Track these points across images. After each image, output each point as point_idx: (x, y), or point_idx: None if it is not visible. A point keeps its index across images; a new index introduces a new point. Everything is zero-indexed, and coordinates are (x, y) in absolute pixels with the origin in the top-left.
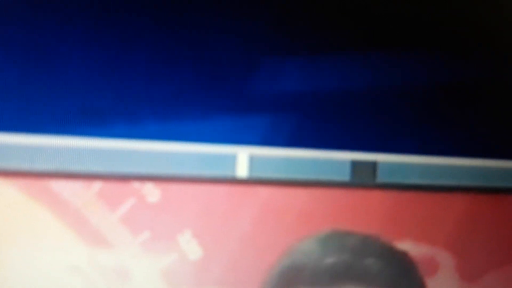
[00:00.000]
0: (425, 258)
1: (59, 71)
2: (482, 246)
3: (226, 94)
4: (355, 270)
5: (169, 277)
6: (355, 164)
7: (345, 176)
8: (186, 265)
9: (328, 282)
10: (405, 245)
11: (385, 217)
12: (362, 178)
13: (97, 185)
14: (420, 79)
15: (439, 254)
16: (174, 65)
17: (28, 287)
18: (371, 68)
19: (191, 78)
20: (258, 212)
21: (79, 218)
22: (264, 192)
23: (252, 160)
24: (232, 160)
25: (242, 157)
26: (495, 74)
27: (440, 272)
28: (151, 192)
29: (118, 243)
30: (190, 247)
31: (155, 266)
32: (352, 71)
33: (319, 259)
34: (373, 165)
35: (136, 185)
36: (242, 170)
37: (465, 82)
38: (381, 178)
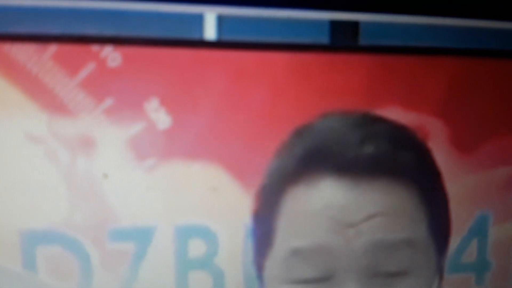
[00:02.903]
0: (414, 126)
1: None
2: (476, 114)
3: None
4: (392, 163)
5: (137, 147)
6: (334, 25)
7: (324, 39)
8: (155, 135)
9: (360, 172)
10: (392, 112)
11: (369, 82)
12: (343, 40)
13: (52, 48)
14: None
15: (429, 121)
16: None
17: None
18: None
19: None
20: (229, 78)
21: (35, 84)
22: (235, 56)
23: (221, 21)
24: (198, 21)
25: (210, 18)
26: None
27: (431, 142)
28: (112, 56)
29: (80, 111)
30: (158, 115)
31: (121, 136)
32: None
33: (355, 146)
34: (355, 25)
35: (94, 48)
36: (210, 33)
37: None
38: (363, 40)
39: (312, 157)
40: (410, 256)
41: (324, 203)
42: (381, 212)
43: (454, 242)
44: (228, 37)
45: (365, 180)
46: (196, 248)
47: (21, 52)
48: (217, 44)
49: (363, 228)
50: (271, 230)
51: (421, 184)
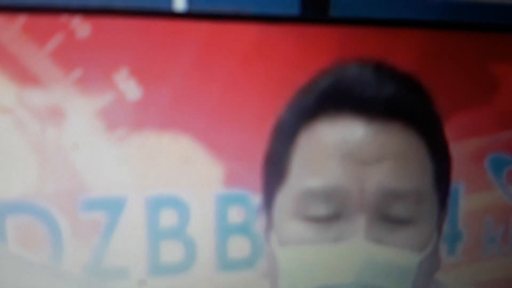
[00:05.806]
0: None
1: None
2: (448, 86)
3: None
4: (406, 108)
5: (107, 118)
6: None
7: (294, 10)
8: (125, 105)
9: (377, 113)
10: None
11: (340, 54)
12: (313, 11)
13: (21, 19)
14: None
15: None
16: None
17: None
18: None
19: None
20: (199, 49)
21: (4, 55)
22: (205, 27)
23: None
24: None
25: None
26: None
27: None
28: (81, 27)
29: (49, 82)
30: (128, 86)
31: (91, 106)
32: None
33: (373, 87)
34: None
35: (63, 19)
36: (179, 3)
37: None
38: (334, 12)
39: (331, 94)
40: (416, 205)
41: (339, 139)
42: (393, 155)
43: None
44: (198, 7)
45: (380, 122)
46: (168, 218)
47: None
48: (186, 15)
49: (375, 169)
50: (284, 167)
51: (429, 134)
